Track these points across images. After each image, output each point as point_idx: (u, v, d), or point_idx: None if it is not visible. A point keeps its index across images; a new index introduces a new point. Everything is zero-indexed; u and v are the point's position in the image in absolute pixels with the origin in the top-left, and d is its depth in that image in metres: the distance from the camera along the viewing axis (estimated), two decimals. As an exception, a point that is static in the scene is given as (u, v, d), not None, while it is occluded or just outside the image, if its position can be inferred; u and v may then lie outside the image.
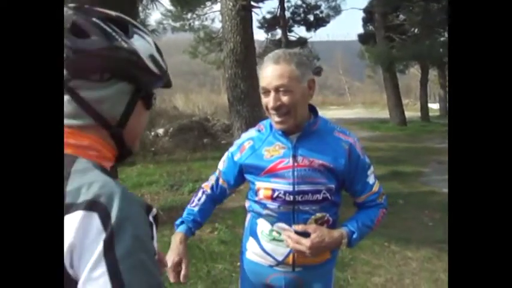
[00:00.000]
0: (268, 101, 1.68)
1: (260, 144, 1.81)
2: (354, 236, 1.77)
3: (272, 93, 1.66)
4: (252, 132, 1.90)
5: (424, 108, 22.89)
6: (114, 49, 0.92)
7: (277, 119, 1.69)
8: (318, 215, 1.77)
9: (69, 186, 0.84)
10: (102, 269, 0.75)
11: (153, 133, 12.85)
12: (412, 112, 23.54)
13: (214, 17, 19.54)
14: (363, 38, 22.74)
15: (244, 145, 1.85)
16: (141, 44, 0.98)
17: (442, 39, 20.74)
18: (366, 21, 22.79)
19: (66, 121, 0.91)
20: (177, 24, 19.28)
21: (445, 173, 9.16)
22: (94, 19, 0.93)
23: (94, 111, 0.94)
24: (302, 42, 21.54)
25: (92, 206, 0.79)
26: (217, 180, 1.97)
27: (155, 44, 1.04)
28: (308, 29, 21.70)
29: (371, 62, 23.21)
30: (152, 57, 1.00)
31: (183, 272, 1.72)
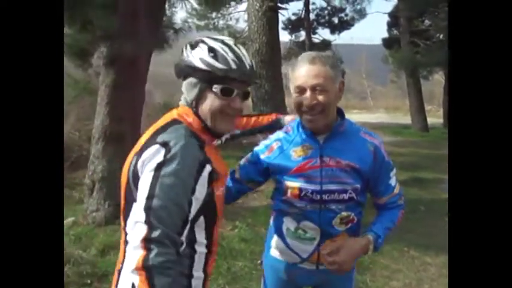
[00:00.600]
0: (303, 99, 1.74)
1: (288, 145, 1.87)
2: (380, 240, 1.82)
3: (308, 92, 1.72)
4: (279, 133, 1.95)
5: (447, 115, 22.66)
6: (185, 59, 1.51)
7: (310, 117, 1.75)
8: (344, 214, 1.82)
9: (166, 133, 1.42)
10: (149, 176, 1.33)
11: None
12: (434, 118, 23.30)
13: (238, 17, 19.63)
14: (387, 43, 22.56)
15: (273, 146, 1.90)
16: (196, 51, 1.49)
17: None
18: (391, 25, 22.62)
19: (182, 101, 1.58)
20: (202, 23, 19.38)
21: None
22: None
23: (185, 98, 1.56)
24: (326, 44, 21.45)
25: (163, 144, 1.37)
26: (232, 173, 2.01)
27: (210, 49, 1.47)
28: (332, 32, 21.58)
29: (395, 66, 23.03)
30: (202, 60, 1.46)
31: None
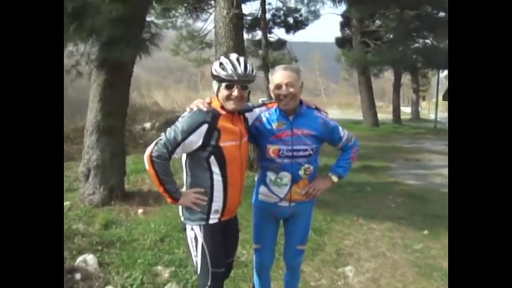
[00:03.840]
0: (280, 91, 2.73)
1: (271, 120, 2.83)
2: (340, 171, 2.92)
3: (284, 87, 2.71)
4: (265, 113, 2.88)
5: (396, 111, 24.09)
6: (211, 69, 2.56)
7: (284, 103, 2.74)
8: (306, 165, 2.82)
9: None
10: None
11: (139, 127, 13.57)
12: (385, 114, 24.63)
13: (196, 16, 20.13)
14: (340, 42, 23.68)
15: (262, 117, 2.86)
16: (214, 65, 2.54)
17: (415, 45, 21.93)
18: (343, 25, 23.73)
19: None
20: (160, 22, 19.77)
21: (409, 167, 10.32)
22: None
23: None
24: (281, 43, 22.37)
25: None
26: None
27: (220, 61, 2.52)
28: (287, 31, 22.35)
29: (347, 65, 24.21)
30: (216, 70, 2.52)
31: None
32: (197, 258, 2.57)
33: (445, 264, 4.43)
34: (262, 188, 2.90)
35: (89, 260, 4.01)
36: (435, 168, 10.37)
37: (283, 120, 2.79)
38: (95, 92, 6.04)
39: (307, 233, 3.03)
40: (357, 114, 23.59)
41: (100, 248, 4.45)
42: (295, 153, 2.76)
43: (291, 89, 2.69)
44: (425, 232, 5.37)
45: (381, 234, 5.29)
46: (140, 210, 5.77)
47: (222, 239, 2.61)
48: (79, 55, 7.61)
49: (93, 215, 5.50)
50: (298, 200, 2.86)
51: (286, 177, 2.80)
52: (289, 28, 22.15)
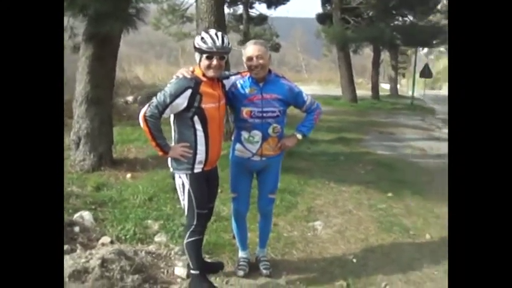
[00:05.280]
0: (252, 62, 3.23)
1: (244, 86, 3.34)
2: (304, 129, 3.44)
3: (254, 59, 3.22)
4: (240, 80, 3.38)
5: (375, 88, 24.53)
6: (193, 42, 3.09)
7: (255, 72, 3.25)
8: (274, 125, 3.35)
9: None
10: None
11: (122, 100, 13.83)
12: (365, 91, 24.96)
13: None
14: (321, 18, 23.85)
15: (237, 83, 3.36)
16: (196, 39, 3.07)
17: (394, 23, 22.32)
18: (324, 1, 23.85)
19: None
20: (142, -5, 19.71)
21: (382, 140, 10.88)
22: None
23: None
24: (262, 18, 22.58)
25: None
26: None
27: (202, 36, 3.02)
28: (269, 6, 22.48)
29: (327, 41, 24.47)
30: (197, 43, 3.03)
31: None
32: (184, 202, 3.12)
33: (405, 221, 5.01)
34: (238, 145, 3.42)
35: (85, 215, 4.47)
36: (407, 140, 10.93)
37: (254, 86, 3.30)
38: (83, 65, 6.39)
39: (276, 183, 3.58)
40: (337, 90, 23.82)
41: (93, 207, 4.88)
42: (264, 114, 3.28)
43: (261, 61, 3.20)
44: (390, 194, 5.94)
45: (349, 196, 5.85)
46: (128, 175, 6.22)
47: (205, 185, 3.14)
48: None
49: (84, 179, 5.92)
50: (268, 155, 3.40)
51: (257, 135, 3.32)
52: (271, 3, 22.30)
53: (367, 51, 30.76)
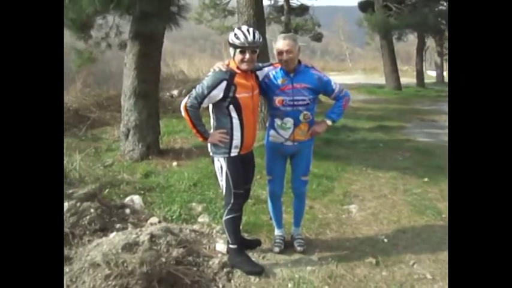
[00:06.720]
0: (282, 57, 3.51)
1: (276, 77, 3.63)
2: (333, 116, 3.70)
3: (284, 53, 3.50)
4: (272, 71, 3.67)
5: (420, 75, 24.08)
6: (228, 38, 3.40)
7: (285, 65, 3.53)
8: (305, 112, 3.62)
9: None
10: None
11: (167, 94, 14.34)
12: (410, 78, 24.51)
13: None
14: (363, 6, 23.62)
15: (269, 74, 3.66)
16: (230, 35, 3.37)
17: (438, 7, 21.79)
18: (366, -11, 23.68)
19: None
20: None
21: (424, 127, 10.85)
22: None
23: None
24: (304, 8, 22.56)
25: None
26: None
27: (235, 32, 3.32)
28: (310, -5, 22.46)
29: (369, 29, 24.18)
30: (231, 39, 3.34)
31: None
32: (223, 183, 3.46)
33: (439, 205, 5.13)
34: (272, 131, 3.72)
35: (135, 199, 4.89)
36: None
37: (285, 77, 3.59)
38: (130, 61, 6.85)
39: (308, 166, 3.86)
40: (382, 79, 23.46)
41: (142, 192, 5.30)
42: (295, 103, 3.56)
43: (290, 55, 3.49)
44: (426, 179, 6.05)
45: (385, 181, 6.02)
46: (174, 163, 6.64)
47: (241, 168, 3.46)
48: (108, 28, 8.36)
49: (134, 167, 6.38)
50: (300, 140, 3.68)
51: (289, 122, 3.61)
52: (312, -8, 22.12)
53: (412, 38, 30.14)
